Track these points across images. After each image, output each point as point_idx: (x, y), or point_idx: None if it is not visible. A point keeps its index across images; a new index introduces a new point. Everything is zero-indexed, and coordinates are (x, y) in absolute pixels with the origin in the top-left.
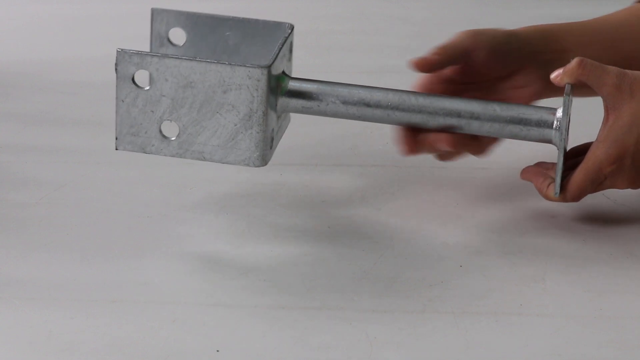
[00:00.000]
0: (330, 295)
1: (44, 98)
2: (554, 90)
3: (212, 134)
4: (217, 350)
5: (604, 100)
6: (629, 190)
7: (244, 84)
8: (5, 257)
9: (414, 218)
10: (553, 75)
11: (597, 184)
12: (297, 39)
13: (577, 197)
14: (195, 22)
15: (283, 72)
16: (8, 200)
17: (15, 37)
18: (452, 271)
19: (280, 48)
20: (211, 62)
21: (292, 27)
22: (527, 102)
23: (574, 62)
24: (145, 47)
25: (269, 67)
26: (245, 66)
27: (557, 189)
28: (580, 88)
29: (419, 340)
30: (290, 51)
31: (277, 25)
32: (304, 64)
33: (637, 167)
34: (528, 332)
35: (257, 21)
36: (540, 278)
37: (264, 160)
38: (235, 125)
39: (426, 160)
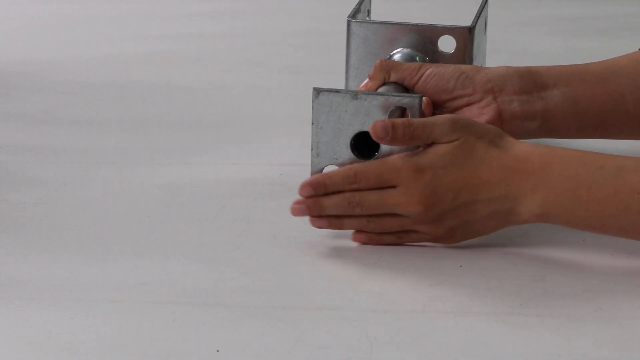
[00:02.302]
0: (330, 295)
1: (44, 98)
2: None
3: None
4: (217, 350)
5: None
6: None
7: None
8: (5, 257)
9: None
10: (379, 133)
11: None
12: (297, 38)
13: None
14: None
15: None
16: (8, 200)
17: (15, 37)
18: (452, 271)
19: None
20: None
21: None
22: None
23: (401, 122)
24: (147, 47)
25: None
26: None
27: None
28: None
29: (419, 340)
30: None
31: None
32: (304, 64)
33: (434, 188)
34: (528, 332)
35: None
36: (540, 278)
37: None
38: None
39: None
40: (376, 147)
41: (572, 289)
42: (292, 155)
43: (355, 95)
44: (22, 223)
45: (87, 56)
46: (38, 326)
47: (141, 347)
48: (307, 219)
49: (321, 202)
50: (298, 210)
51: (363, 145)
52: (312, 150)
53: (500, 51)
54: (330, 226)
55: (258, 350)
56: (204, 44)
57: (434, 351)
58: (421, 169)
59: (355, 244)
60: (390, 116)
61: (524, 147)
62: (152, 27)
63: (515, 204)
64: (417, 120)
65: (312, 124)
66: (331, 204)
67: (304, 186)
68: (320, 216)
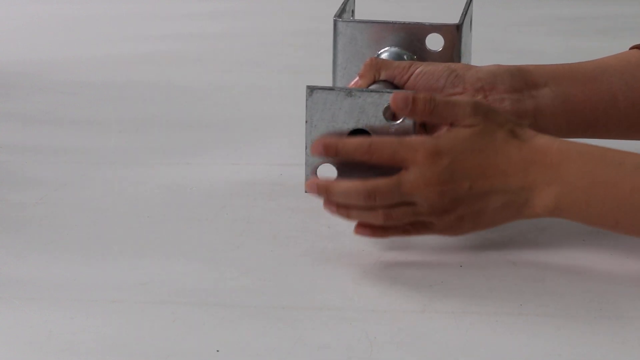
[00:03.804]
0: (330, 295)
1: (44, 98)
2: None
3: None
4: (217, 350)
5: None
6: None
7: None
8: (5, 257)
9: None
10: (399, 104)
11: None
12: (297, 38)
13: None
14: None
15: None
16: (8, 200)
17: (15, 37)
18: (452, 271)
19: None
20: None
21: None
22: None
23: (423, 96)
24: (147, 47)
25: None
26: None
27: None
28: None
29: (419, 340)
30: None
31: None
32: (304, 64)
33: (452, 173)
34: (528, 332)
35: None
36: (540, 278)
37: None
38: None
39: None
40: None
41: (572, 289)
42: (292, 155)
43: (349, 92)
44: (22, 223)
45: (87, 56)
46: (38, 326)
47: (141, 347)
48: (305, 218)
49: (330, 187)
50: (308, 187)
51: None
52: (306, 148)
53: (500, 51)
54: (339, 213)
55: (258, 350)
56: (204, 44)
57: (434, 351)
58: (439, 152)
59: (355, 243)
60: (384, 113)
61: (544, 140)
62: (152, 27)
63: (530, 196)
64: (440, 97)
65: (306, 122)
66: (341, 191)
67: (316, 143)
68: (329, 201)
